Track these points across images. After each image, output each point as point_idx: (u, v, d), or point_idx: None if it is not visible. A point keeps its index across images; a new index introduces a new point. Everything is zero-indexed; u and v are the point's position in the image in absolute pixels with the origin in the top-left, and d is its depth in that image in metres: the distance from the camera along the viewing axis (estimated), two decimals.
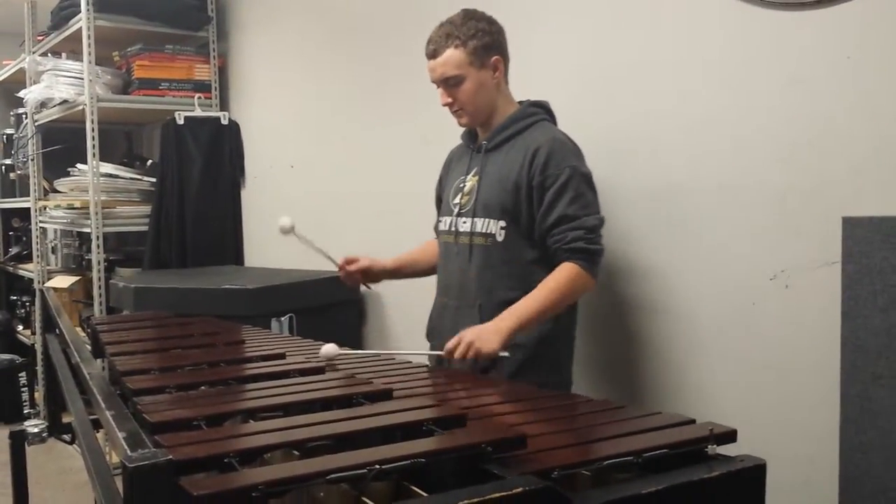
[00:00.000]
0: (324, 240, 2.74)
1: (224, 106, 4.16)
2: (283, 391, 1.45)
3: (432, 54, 1.99)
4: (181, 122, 3.95)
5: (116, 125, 4.72)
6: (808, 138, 1.75)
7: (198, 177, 3.94)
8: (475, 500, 0.93)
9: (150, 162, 4.36)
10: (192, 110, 4.00)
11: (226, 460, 1.03)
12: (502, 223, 1.95)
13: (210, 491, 0.91)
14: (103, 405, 1.16)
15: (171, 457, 0.87)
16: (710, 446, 1.16)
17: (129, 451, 0.89)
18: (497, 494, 0.94)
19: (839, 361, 1.66)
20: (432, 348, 2.07)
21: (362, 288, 2.36)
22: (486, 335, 1.80)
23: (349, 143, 2.49)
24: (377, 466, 0.99)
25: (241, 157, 4.08)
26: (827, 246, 1.71)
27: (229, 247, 4.03)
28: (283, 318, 2.54)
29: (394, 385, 1.50)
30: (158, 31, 4.03)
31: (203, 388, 1.50)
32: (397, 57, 2.45)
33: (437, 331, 2.10)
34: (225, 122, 4.05)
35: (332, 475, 0.97)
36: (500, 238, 1.95)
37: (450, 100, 2.00)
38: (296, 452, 1.14)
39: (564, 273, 1.86)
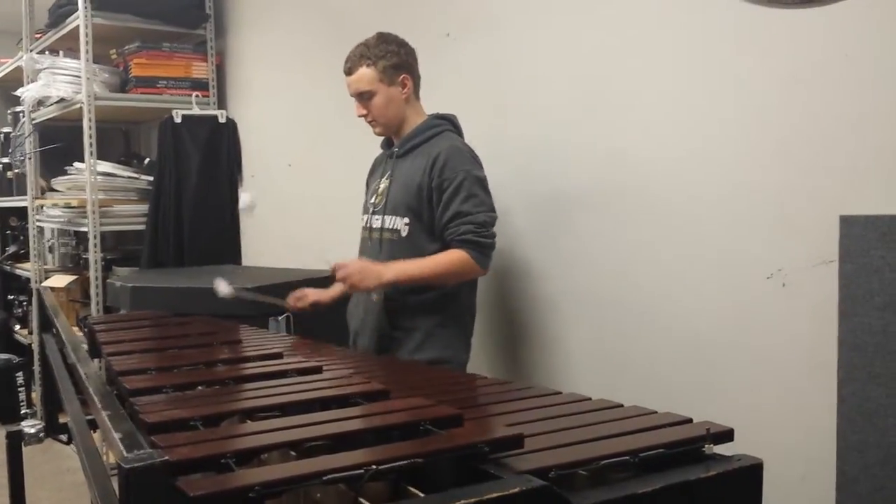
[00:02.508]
0: (321, 238, 2.75)
1: (222, 104, 4.16)
2: (281, 391, 1.45)
3: (348, 71, 2.27)
4: (179, 120, 3.94)
5: (114, 123, 4.71)
6: (805, 136, 1.75)
7: (195, 175, 3.94)
8: (472, 499, 0.93)
9: (147, 160, 4.36)
10: (190, 108, 4.00)
11: (222, 461, 1.03)
12: (406, 220, 2.20)
13: (207, 491, 0.91)
14: (99, 405, 1.16)
15: (167, 458, 0.87)
16: (706, 446, 1.16)
17: (125, 452, 0.89)
18: (494, 494, 0.94)
19: (836, 360, 1.66)
20: (354, 340, 2.33)
21: None
22: (368, 275, 2.12)
23: (347, 141, 2.50)
24: (374, 467, 0.99)
25: (239, 155, 4.07)
26: (824, 245, 1.70)
27: (227, 246, 4.02)
28: (280, 318, 2.53)
29: (390, 384, 1.50)
30: (156, 28, 4.02)
31: (200, 388, 1.49)
32: None
33: (351, 313, 2.38)
34: (223, 120, 4.05)
35: (329, 475, 0.97)
36: (404, 233, 2.21)
37: (364, 112, 2.27)
38: (293, 453, 1.14)
39: (451, 255, 2.12)
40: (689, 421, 1.28)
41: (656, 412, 1.35)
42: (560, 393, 1.56)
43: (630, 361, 2.15)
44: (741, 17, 1.85)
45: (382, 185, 2.29)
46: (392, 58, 2.23)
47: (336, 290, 2.36)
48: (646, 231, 2.09)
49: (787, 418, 1.80)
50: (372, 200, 2.33)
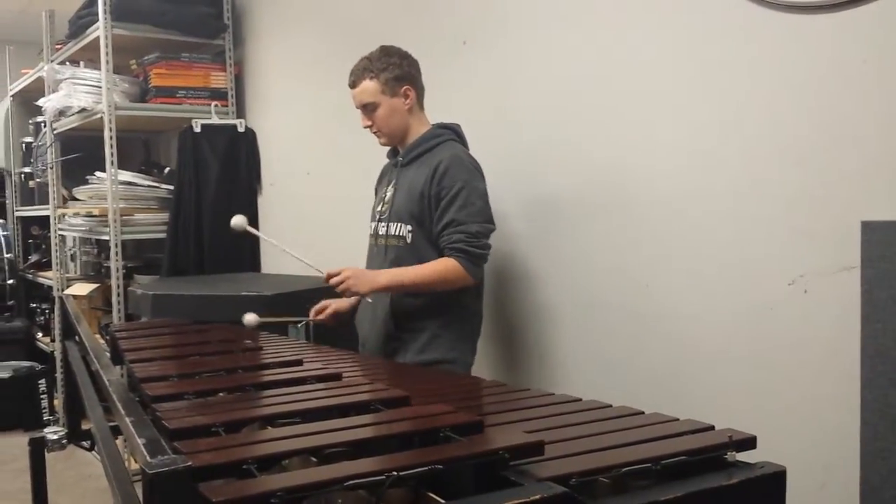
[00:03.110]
0: (340, 247, 2.76)
1: (240, 113, 4.19)
2: (301, 397, 1.45)
3: (352, 84, 2.33)
4: (198, 129, 3.98)
5: (134, 133, 4.75)
6: (823, 141, 1.74)
7: (215, 184, 3.97)
8: None
9: (167, 169, 4.39)
10: (209, 118, 4.03)
11: (244, 466, 1.03)
12: (409, 227, 2.27)
13: (229, 497, 0.91)
14: (123, 412, 1.17)
15: (190, 463, 0.87)
16: (729, 453, 1.15)
17: (148, 458, 0.89)
18: (515, 501, 0.94)
19: (859, 366, 1.65)
20: (362, 343, 2.38)
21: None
22: (363, 280, 2.20)
23: (364, 150, 2.52)
24: (395, 473, 0.99)
25: (258, 164, 4.10)
26: (846, 250, 1.69)
27: (246, 254, 4.04)
28: (299, 325, 2.55)
29: (409, 391, 1.50)
30: (175, 39, 4.06)
31: (221, 394, 1.50)
32: None
33: (360, 321, 2.42)
34: (241, 129, 4.08)
35: (350, 482, 0.97)
36: (408, 240, 2.27)
37: (369, 123, 2.34)
38: (313, 459, 1.14)
39: (442, 263, 2.19)
40: (711, 428, 1.27)
41: (678, 419, 1.35)
42: (580, 400, 1.55)
43: (647, 369, 2.14)
44: (756, 21, 1.84)
45: (388, 194, 2.36)
46: (394, 70, 2.30)
47: (354, 298, 2.40)
48: (664, 238, 2.08)
49: (810, 425, 1.79)
50: (378, 208, 2.40)
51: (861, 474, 1.65)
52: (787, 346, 1.83)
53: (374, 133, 2.37)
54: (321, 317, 2.47)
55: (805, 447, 1.77)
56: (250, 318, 2.35)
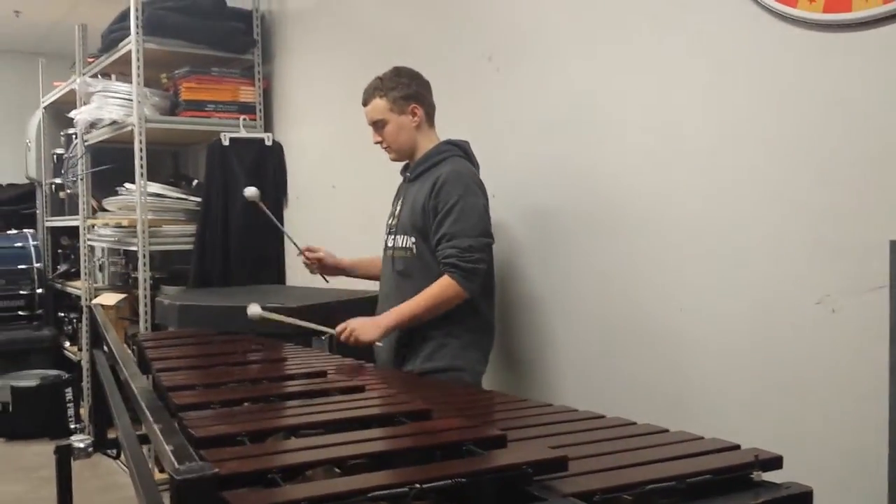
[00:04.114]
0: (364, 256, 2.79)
1: (268, 127, 4.23)
2: (324, 409, 1.46)
3: (364, 102, 2.45)
4: (226, 142, 4.02)
5: (163, 145, 4.82)
6: (850, 159, 1.73)
7: (242, 196, 4.00)
8: None
9: (195, 182, 4.44)
10: (238, 131, 4.08)
11: (269, 476, 1.04)
12: (413, 239, 2.36)
13: None
14: (151, 419, 1.18)
15: (217, 470, 0.88)
16: (755, 472, 1.14)
17: (176, 464, 0.90)
18: None
19: (887, 387, 1.63)
20: (376, 355, 2.40)
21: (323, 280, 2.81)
22: (368, 327, 2.29)
23: (388, 165, 2.55)
24: (418, 486, 1.00)
25: (285, 177, 4.14)
26: (873, 269, 1.67)
27: (271, 265, 4.07)
28: (323, 337, 2.56)
29: (432, 404, 1.50)
30: (205, 53, 4.12)
31: (246, 404, 1.52)
32: (435, 79, 2.49)
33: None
34: (269, 142, 4.12)
35: (373, 493, 0.98)
36: (414, 251, 2.36)
37: (378, 139, 2.45)
38: (337, 470, 1.14)
39: (439, 285, 2.25)
40: (737, 447, 1.26)
41: (703, 438, 1.34)
42: (604, 416, 1.55)
43: (670, 387, 2.12)
44: (786, 39, 1.84)
45: (398, 208, 2.47)
46: (403, 89, 2.40)
47: (344, 260, 2.71)
48: (686, 256, 2.07)
49: (837, 446, 1.76)
50: (389, 221, 2.51)
51: (889, 497, 1.62)
52: (814, 366, 1.81)
53: (384, 149, 2.47)
54: (309, 254, 2.70)
55: (832, 468, 1.75)
56: (254, 309, 2.34)
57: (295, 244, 2.75)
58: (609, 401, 2.27)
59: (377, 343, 2.30)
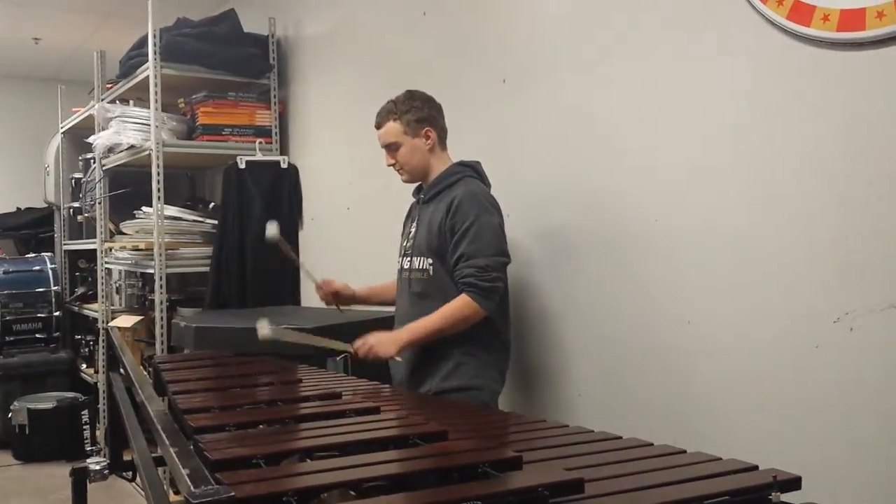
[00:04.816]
0: (378, 280, 2.79)
1: (284, 150, 4.26)
2: (340, 431, 1.46)
3: (377, 125, 2.47)
4: (243, 166, 4.05)
5: (180, 169, 4.85)
6: (869, 176, 1.72)
7: (258, 219, 4.02)
8: None
9: (212, 205, 4.47)
10: (254, 155, 4.10)
11: (284, 499, 1.04)
12: (430, 260, 2.37)
13: None
14: (167, 442, 1.19)
15: (233, 493, 0.88)
16: (773, 493, 1.13)
17: (192, 488, 0.91)
18: None
19: None
20: (393, 375, 2.43)
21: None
22: (386, 342, 2.28)
23: (401, 186, 2.56)
24: None
25: (300, 199, 4.16)
26: (892, 287, 1.66)
27: (287, 287, 4.08)
28: (338, 358, 2.57)
29: (447, 425, 1.50)
30: (222, 78, 4.15)
31: (261, 426, 1.52)
32: (450, 101, 2.51)
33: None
34: (284, 165, 4.15)
35: None
36: (430, 272, 2.37)
37: (392, 161, 2.47)
38: (352, 493, 1.14)
39: (457, 303, 2.26)
40: (755, 468, 1.25)
41: (720, 458, 1.33)
42: (620, 438, 1.53)
43: (686, 406, 2.11)
44: (803, 59, 1.84)
45: (412, 230, 2.48)
46: (416, 112, 2.42)
47: (359, 289, 2.72)
48: (704, 273, 2.07)
49: (855, 465, 1.74)
50: (404, 244, 2.52)
51: None
52: (833, 385, 1.79)
53: (397, 171, 2.49)
54: (326, 287, 2.68)
55: (851, 488, 1.73)
56: (263, 330, 2.27)
57: (313, 278, 2.74)
58: (624, 418, 2.26)
59: (396, 358, 2.29)
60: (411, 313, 2.39)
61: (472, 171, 2.44)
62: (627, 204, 2.28)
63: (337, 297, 2.72)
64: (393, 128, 2.43)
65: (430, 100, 2.47)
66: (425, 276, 2.38)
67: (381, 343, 2.28)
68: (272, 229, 2.60)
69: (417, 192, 2.54)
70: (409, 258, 2.45)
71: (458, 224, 2.30)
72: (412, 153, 2.43)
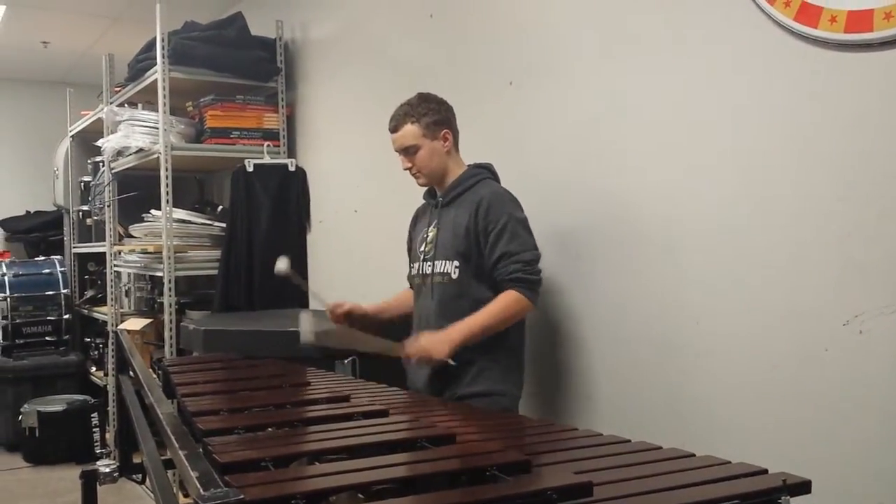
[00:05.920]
0: (386, 283, 2.79)
1: (291, 153, 4.27)
2: (348, 433, 1.46)
3: (393, 129, 2.42)
4: (251, 169, 4.06)
5: (189, 172, 4.87)
6: (878, 177, 1.71)
7: (266, 222, 4.03)
8: None
9: (220, 208, 4.48)
10: (262, 158, 4.11)
11: (292, 502, 1.04)
12: (456, 263, 2.33)
13: None
14: (177, 445, 1.19)
15: (242, 496, 0.88)
16: (783, 497, 1.13)
17: (201, 490, 0.91)
18: None
19: None
20: (410, 380, 2.40)
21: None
22: (438, 343, 2.21)
23: (409, 189, 2.56)
24: None
25: (308, 202, 4.17)
26: None
27: (295, 290, 4.07)
28: (346, 361, 2.57)
29: (456, 428, 1.50)
30: (230, 82, 4.17)
31: (270, 429, 1.52)
32: (458, 104, 2.51)
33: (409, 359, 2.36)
34: (292, 168, 4.15)
35: None
36: (454, 276, 2.33)
37: (409, 165, 2.42)
38: (361, 495, 1.14)
39: (506, 298, 2.23)
40: (765, 471, 1.24)
41: (730, 462, 1.32)
42: (629, 441, 1.53)
43: (695, 409, 2.10)
44: (806, 60, 1.83)
45: (431, 234, 2.43)
46: (433, 115, 2.39)
47: (368, 308, 2.57)
48: (711, 274, 2.06)
49: (866, 469, 1.73)
50: (422, 248, 2.46)
51: None
52: (842, 388, 1.78)
53: (414, 174, 2.45)
54: (337, 311, 2.50)
55: (861, 491, 1.72)
56: (282, 264, 2.36)
57: (324, 302, 2.62)
58: (634, 419, 2.26)
59: (450, 361, 2.21)
60: (436, 317, 2.34)
61: (488, 172, 2.44)
62: (636, 205, 2.28)
63: (350, 319, 2.59)
64: (411, 130, 2.39)
65: (443, 102, 2.45)
66: (447, 279, 2.34)
67: (435, 345, 2.20)
68: (282, 264, 2.53)
69: (430, 195, 2.52)
70: (429, 262, 2.40)
71: (491, 224, 2.28)
72: (431, 156, 2.40)
